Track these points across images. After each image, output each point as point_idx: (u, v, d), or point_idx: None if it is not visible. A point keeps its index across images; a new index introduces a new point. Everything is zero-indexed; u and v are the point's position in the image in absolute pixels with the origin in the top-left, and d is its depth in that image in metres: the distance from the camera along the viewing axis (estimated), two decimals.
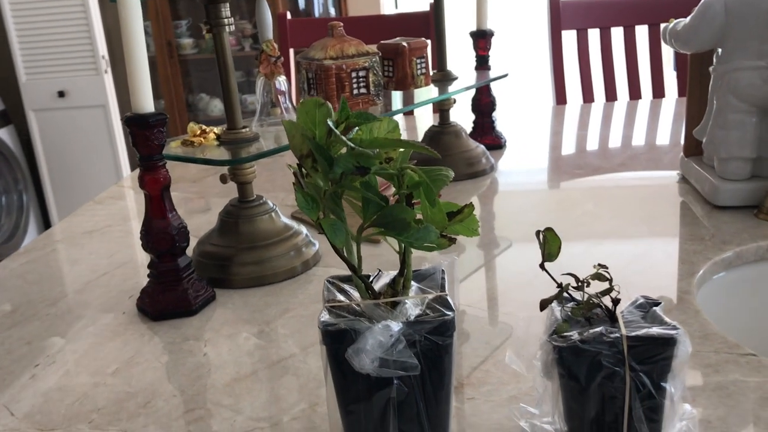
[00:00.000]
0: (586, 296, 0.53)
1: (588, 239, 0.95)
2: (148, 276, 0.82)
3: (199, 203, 1.23)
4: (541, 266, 0.52)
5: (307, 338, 0.74)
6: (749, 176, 0.99)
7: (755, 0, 0.93)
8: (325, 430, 0.59)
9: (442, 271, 0.55)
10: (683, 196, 1.08)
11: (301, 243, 0.91)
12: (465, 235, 0.53)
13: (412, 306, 0.50)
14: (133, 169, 3.06)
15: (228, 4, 0.84)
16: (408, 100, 1.14)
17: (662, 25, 1.84)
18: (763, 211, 0.95)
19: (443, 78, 1.23)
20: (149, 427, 0.62)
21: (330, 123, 0.46)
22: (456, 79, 1.24)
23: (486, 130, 1.40)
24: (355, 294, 0.53)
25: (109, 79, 2.95)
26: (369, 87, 1.04)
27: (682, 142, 1.12)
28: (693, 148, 1.10)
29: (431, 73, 1.20)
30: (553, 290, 0.54)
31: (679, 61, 1.86)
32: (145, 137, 0.76)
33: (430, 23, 1.83)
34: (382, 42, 1.17)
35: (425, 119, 1.69)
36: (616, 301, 0.52)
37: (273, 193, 1.24)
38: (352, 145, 0.46)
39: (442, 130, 1.25)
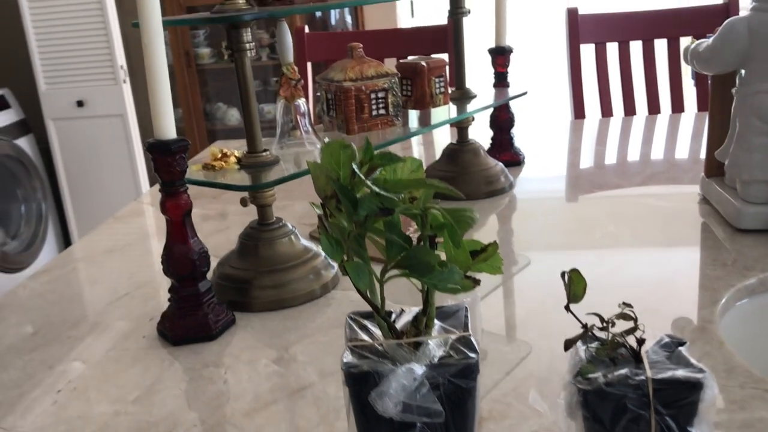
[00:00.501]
0: (610, 335, 0.53)
1: (610, 263, 0.94)
2: (169, 300, 0.83)
3: (219, 221, 1.23)
4: (566, 308, 0.52)
5: (326, 366, 0.74)
6: None
7: None
8: None
9: (466, 309, 0.55)
10: (704, 217, 1.07)
11: (320, 266, 0.91)
12: (489, 273, 0.53)
13: (435, 347, 0.50)
14: (151, 178, 3.08)
15: (249, 30, 0.84)
16: (426, 120, 1.14)
17: (683, 45, 1.83)
18: None
19: (462, 96, 1.23)
20: None
21: (354, 166, 0.46)
22: (475, 97, 1.24)
23: (504, 147, 1.39)
24: (377, 332, 0.53)
25: (127, 89, 2.97)
26: (388, 108, 1.04)
27: (702, 159, 1.11)
28: (714, 169, 1.09)
29: (450, 92, 1.20)
30: (574, 322, 0.54)
31: (698, 73, 1.84)
32: (167, 163, 0.76)
33: (448, 37, 1.83)
34: (400, 61, 1.17)
35: (443, 135, 1.68)
36: (641, 342, 0.52)
37: (291, 207, 1.24)
38: (377, 189, 0.45)
39: (461, 148, 1.25)
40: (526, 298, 0.87)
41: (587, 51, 1.84)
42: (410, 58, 1.26)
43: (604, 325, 0.52)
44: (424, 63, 1.13)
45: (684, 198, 1.15)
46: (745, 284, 0.85)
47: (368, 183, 0.46)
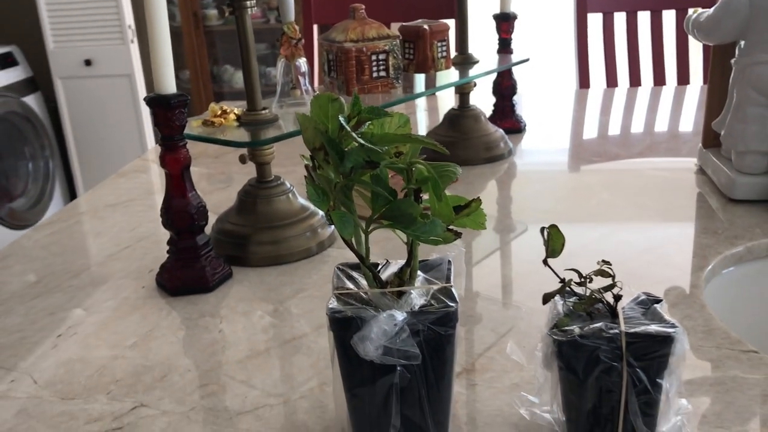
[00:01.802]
0: (588, 291, 0.54)
1: (602, 228, 0.95)
2: (168, 252, 0.85)
3: (220, 179, 1.25)
4: (544, 262, 0.53)
5: (319, 319, 0.77)
6: (766, 170, 0.99)
7: None
8: (331, 409, 0.62)
9: (449, 262, 0.56)
10: (700, 187, 1.08)
11: (317, 224, 0.93)
12: (472, 228, 0.55)
13: (418, 296, 0.52)
14: (157, 139, 3.09)
15: None
16: (427, 83, 1.15)
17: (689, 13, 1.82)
18: None
19: (464, 61, 1.23)
20: (164, 400, 0.64)
21: (341, 119, 0.48)
22: (477, 62, 1.24)
23: (506, 114, 1.40)
24: (364, 282, 0.55)
25: (135, 49, 2.97)
26: (389, 70, 1.04)
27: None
28: (711, 140, 1.10)
29: (452, 56, 1.21)
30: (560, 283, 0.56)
31: (704, 47, 1.83)
32: (167, 118, 0.78)
33: (453, 3, 1.83)
34: (403, 24, 1.17)
35: (446, 100, 1.69)
36: (617, 298, 0.54)
37: (291, 168, 1.25)
38: (363, 141, 0.47)
39: (462, 114, 1.26)
40: (521, 263, 0.89)
41: (594, 20, 1.83)
42: (414, 22, 1.26)
43: (582, 280, 0.54)
44: (426, 26, 1.14)
45: (682, 169, 1.16)
46: (733, 252, 0.86)
47: (355, 136, 0.47)
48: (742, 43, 0.99)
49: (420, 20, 1.21)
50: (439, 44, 1.16)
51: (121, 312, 0.81)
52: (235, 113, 0.92)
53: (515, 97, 1.41)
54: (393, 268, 0.56)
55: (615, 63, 1.84)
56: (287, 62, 0.97)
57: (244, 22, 0.86)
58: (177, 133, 0.79)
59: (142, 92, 3.03)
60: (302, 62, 0.98)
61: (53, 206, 3.03)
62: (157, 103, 0.77)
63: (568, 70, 1.93)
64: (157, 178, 1.28)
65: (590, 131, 1.46)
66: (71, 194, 3.19)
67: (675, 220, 0.97)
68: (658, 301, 0.55)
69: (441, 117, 1.30)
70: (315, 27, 1.93)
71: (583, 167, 1.23)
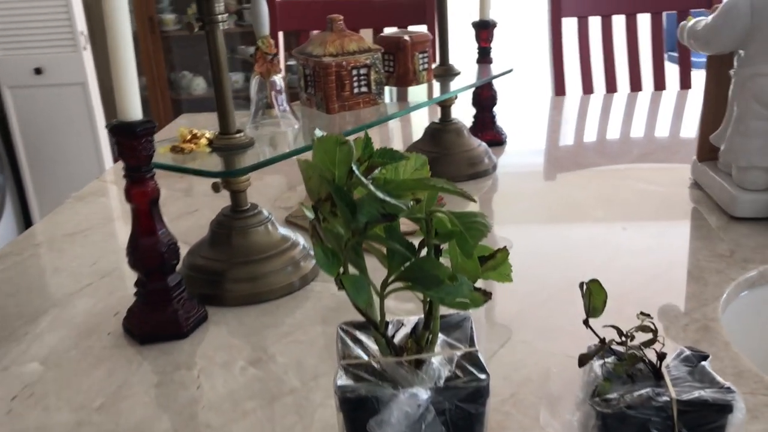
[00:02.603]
0: (628, 349, 0.48)
1: (603, 253, 0.89)
2: (135, 294, 0.76)
3: (186, 201, 1.16)
4: (585, 323, 0.47)
5: (308, 369, 0.69)
6: (767, 186, 0.94)
7: None
8: None
9: (470, 320, 0.49)
10: (696, 203, 1.03)
11: (299, 256, 0.85)
12: (498, 281, 0.48)
13: (440, 365, 0.45)
14: (114, 149, 2.96)
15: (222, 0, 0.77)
16: (406, 98, 1.08)
17: (665, 21, 1.79)
18: None
19: (446, 73, 1.17)
20: None
21: (355, 168, 0.40)
22: (458, 74, 1.18)
23: (487, 126, 1.34)
24: (373, 346, 0.48)
25: (88, 57, 2.84)
26: (370, 85, 0.97)
27: (688, 139, 1.07)
28: (707, 153, 1.05)
29: (432, 68, 1.14)
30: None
31: (681, 51, 1.80)
32: (132, 147, 0.69)
33: (427, 9, 1.76)
34: (381, 35, 1.10)
35: (421, 111, 1.62)
36: (661, 356, 0.47)
37: (264, 187, 1.17)
38: (381, 195, 0.40)
39: (443, 128, 1.19)
40: (515, 290, 0.82)
41: (570, 25, 1.78)
42: (390, 30, 1.19)
43: (623, 339, 0.47)
44: (407, 37, 1.07)
45: (675, 182, 1.11)
46: (746, 277, 0.81)
47: (369, 186, 0.40)
48: (742, 52, 0.94)
49: (397, 30, 1.14)
50: (421, 56, 1.09)
51: (85, 365, 0.72)
52: (206, 137, 0.83)
53: (494, 109, 1.35)
54: (406, 329, 0.49)
55: (590, 69, 1.80)
56: (262, 80, 0.89)
57: (215, 38, 0.78)
58: (144, 164, 0.71)
59: (97, 101, 2.90)
60: (278, 79, 0.90)
61: (5, 220, 2.88)
62: (121, 131, 0.68)
63: (544, 75, 1.88)
64: (117, 203, 1.19)
65: (572, 142, 1.40)
66: (23, 207, 3.04)
67: (677, 241, 0.92)
68: (705, 357, 0.49)
69: (414, 127, 1.23)
70: (281, 34, 1.84)
71: (572, 182, 1.17)
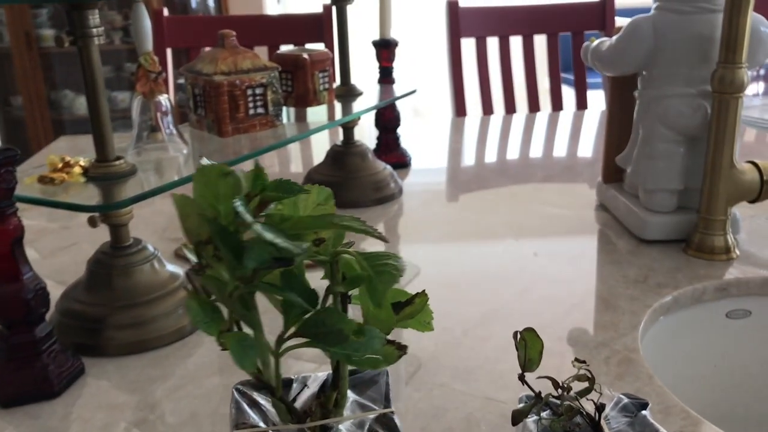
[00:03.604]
0: (564, 401, 0.43)
1: (518, 282, 0.85)
2: None
3: (63, 236, 1.05)
4: (521, 378, 0.41)
5: (204, 428, 0.61)
6: (675, 208, 0.93)
7: (685, 23, 0.88)
8: None
9: (386, 374, 0.43)
10: (603, 225, 1.01)
11: None
12: (418, 330, 0.42)
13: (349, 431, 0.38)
14: None
15: (97, 11, 0.68)
16: (305, 119, 1.02)
17: (561, 41, 1.81)
18: (692, 247, 0.90)
19: (347, 93, 1.11)
20: None
21: (239, 205, 0.34)
22: (361, 94, 1.12)
23: (391, 147, 1.29)
24: (271, 409, 0.41)
25: None
26: (267, 106, 0.90)
27: (583, 158, 1.06)
28: (613, 175, 1.05)
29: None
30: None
31: (577, 72, 1.83)
32: None
33: (324, 27, 1.71)
34: (278, 53, 1.03)
35: (323, 135, 1.56)
36: (600, 408, 0.43)
37: (148, 215, 1.07)
38: (270, 236, 0.33)
39: (347, 151, 1.13)
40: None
41: (469, 46, 1.78)
42: (285, 48, 1.13)
43: (560, 392, 0.42)
44: (306, 55, 1.00)
45: (580, 204, 1.10)
46: (661, 303, 0.79)
47: (255, 226, 0.33)
48: (645, 74, 0.93)
49: (296, 48, 1.08)
50: (321, 74, 1.03)
51: None
52: (80, 165, 0.74)
53: (398, 130, 1.31)
54: (313, 388, 0.42)
55: (490, 89, 1.79)
56: (145, 99, 0.81)
57: (89, 55, 0.69)
58: (4, 199, 0.61)
59: None
60: (163, 99, 0.82)
61: None
62: None
63: (444, 96, 1.86)
64: None
65: (476, 164, 1.38)
66: None
67: (590, 267, 0.89)
68: (645, 405, 0.44)
69: (314, 150, 1.17)
70: (169, 51, 1.74)
71: (479, 206, 1.13)
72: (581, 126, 1.63)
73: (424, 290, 0.41)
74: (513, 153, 1.43)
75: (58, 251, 0.99)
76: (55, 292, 0.76)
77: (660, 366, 0.74)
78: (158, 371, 0.69)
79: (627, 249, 0.93)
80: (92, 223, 0.73)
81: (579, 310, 0.78)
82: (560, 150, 1.44)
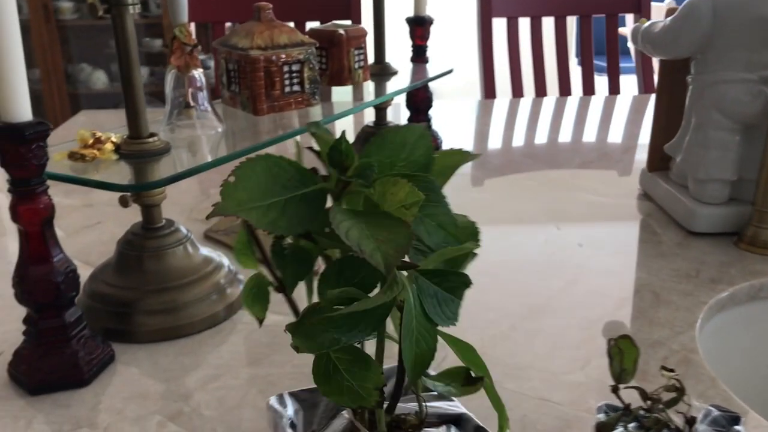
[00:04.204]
0: (651, 413, 0.39)
1: (564, 275, 0.82)
2: (24, 334, 0.63)
3: (87, 214, 1.01)
4: (614, 390, 0.38)
5: (240, 424, 0.57)
6: (727, 200, 0.89)
7: (748, 4, 0.83)
8: None
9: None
10: (645, 215, 0.97)
11: (225, 281, 0.73)
12: None
13: None
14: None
15: None
16: (331, 97, 0.98)
17: (594, 24, 1.76)
18: (744, 241, 0.86)
19: (382, 72, 1.07)
20: None
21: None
22: (395, 73, 1.08)
23: None
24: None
25: None
26: (303, 83, 0.86)
27: (617, 143, 1.02)
28: (658, 163, 1.00)
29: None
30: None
31: (609, 55, 1.78)
32: (20, 155, 0.56)
33: (351, 4, 1.66)
34: (313, 28, 0.99)
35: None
36: (691, 421, 0.39)
37: (177, 201, 1.04)
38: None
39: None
40: (473, 320, 0.73)
41: (500, 26, 1.72)
42: (312, 25, 1.09)
43: (649, 404, 0.39)
44: (342, 31, 0.96)
45: (622, 193, 1.05)
46: (716, 299, 0.75)
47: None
48: (699, 57, 0.89)
49: (328, 24, 1.04)
50: (356, 52, 0.98)
51: None
52: (112, 141, 0.70)
53: (430, 112, 1.27)
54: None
55: (520, 71, 1.74)
56: (179, 74, 0.77)
57: (124, 25, 0.65)
58: (35, 176, 0.57)
59: None
60: (198, 74, 0.78)
61: None
62: (4, 135, 0.55)
63: (473, 77, 1.81)
64: (3, 213, 1.03)
65: (506, 147, 1.33)
66: None
67: (635, 260, 0.85)
68: (737, 420, 0.41)
69: (337, 130, 1.12)
70: (192, 26, 1.70)
71: (513, 191, 1.09)
72: (613, 111, 1.58)
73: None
74: (542, 137, 1.38)
75: (83, 230, 0.95)
76: (81, 273, 0.73)
77: (723, 368, 0.70)
78: (191, 359, 0.66)
79: (674, 241, 0.89)
80: (124, 202, 0.70)
81: (629, 305, 0.75)
82: (591, 136, 1.39)
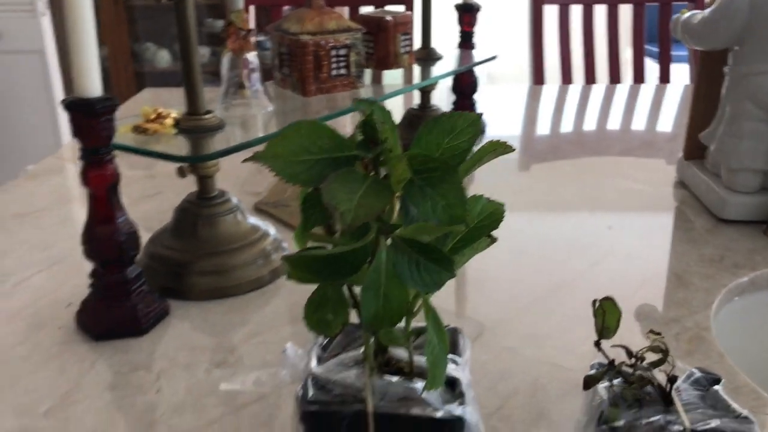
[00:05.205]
0: (636, 371, 0.44)
1: (589, 256, 0.85)
2: (91, 286, 0.70)
3: (146, 182, 1.10)
4: (596, 344, 0.42)
5: (277, 373, 0.64)
6: (759, 189, 0.91)
7: None
8: None
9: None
10: (680, 203, 1.00)
11: (270, 248, 0.80)
12: None
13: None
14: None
15: None
16: (381, 80, 1.03)
17: (647, 12, 1.76)
18: None
19: (427, 57, 1.11)
20: None
21: None
22: (440, 59, 1.12)
23: None
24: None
25: (47, 23, 2.71)
26: (349, 67, 0.92)
27: (677, 140, 1.04)
28: (694, 151, 1.02)
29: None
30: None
31: (661, 44, 1.78)
32: (91, 127, 0.63)
33: None
34: (361, 14, 1.04)
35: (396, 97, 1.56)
36: (672, 379, 0.43)
37: (232, 174, 1.11)
38: None
39: (423, 115, 1.14)
40: (498, 293, 0.78)
41: (551, 13, 1.74)
42: (366, 10, 1.14)
43: (634, 361, 0.43)
44: (389, 17, 1.01)
45: (659, 181, 1.08)
46: (736, 283, 0.78)
47: None
48: (738, 49, 0.90)
49: (377, 10, 1.09)
50: (403, 37, 1.03)
51: (32, 363, 0.66)
52: (172, 117, 0.77)
53: (475, 96, 1.30)
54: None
55: (570, 58, 1.76)
56: (234, 56, 0.83)
57: (185, 8, 0.72)
58: (103, 145, 0.64)
59: (55, 71, 2.77)
60: (252, 57, 0.84)
61: None
62: (78, 109, 0.62)
63: (523, 63, 1.83)
64: (74, 182, 1.12)
65: (553, 135, 1.37)
66: None
67: (664, 244, 0.88)
68: (717, 380, 0.45)
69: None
70: (252, 9, 1.77)
71: (554, 179, 1.13)
72: (662, 100, 1.58)
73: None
74: (590, 124, 1.41)
75: (144, 198, 1.03)
76: (142, 237, 0.80)
77: (731, 346, 0.73)
78: (237, 317, 0.73)
79: (705, 228, 0.91)
80: (181, 173, 0.77)
81: (650, 286, 0.78)
82: (639, 124, 1.41)
